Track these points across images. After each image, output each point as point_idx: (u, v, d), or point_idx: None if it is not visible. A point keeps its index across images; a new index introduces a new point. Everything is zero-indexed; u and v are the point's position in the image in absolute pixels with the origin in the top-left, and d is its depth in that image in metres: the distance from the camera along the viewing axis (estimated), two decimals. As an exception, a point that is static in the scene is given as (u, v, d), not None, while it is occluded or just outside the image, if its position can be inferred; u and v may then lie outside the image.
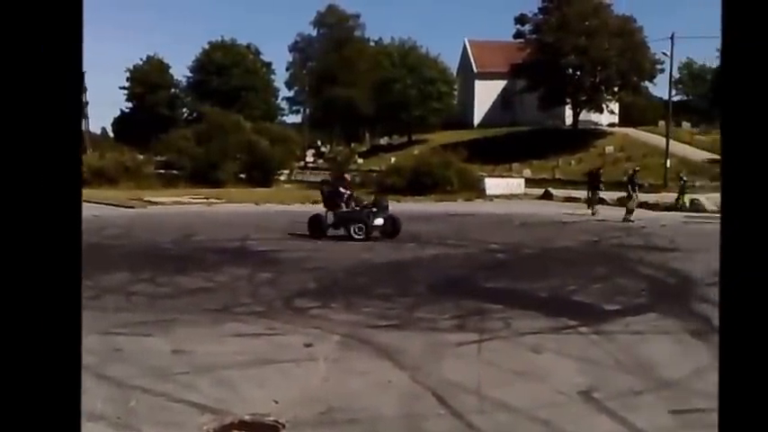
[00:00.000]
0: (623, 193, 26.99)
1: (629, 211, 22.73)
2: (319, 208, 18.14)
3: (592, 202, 25.67)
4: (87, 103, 50.06)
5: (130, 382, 5.81)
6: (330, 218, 17.34)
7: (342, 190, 17.64)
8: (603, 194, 27.14)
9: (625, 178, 25.40)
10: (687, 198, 27.59)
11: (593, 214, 24.38)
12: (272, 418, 5.19)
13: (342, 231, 16.94)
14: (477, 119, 66.20)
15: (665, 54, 46.13)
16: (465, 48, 69.53)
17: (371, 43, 69.79)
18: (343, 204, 17.34)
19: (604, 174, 27.87)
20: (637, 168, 27.41)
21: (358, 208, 17.38)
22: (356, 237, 16.61)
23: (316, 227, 17.21)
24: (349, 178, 21.09)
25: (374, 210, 17.21)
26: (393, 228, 17.13)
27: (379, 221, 16.98)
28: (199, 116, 54.67)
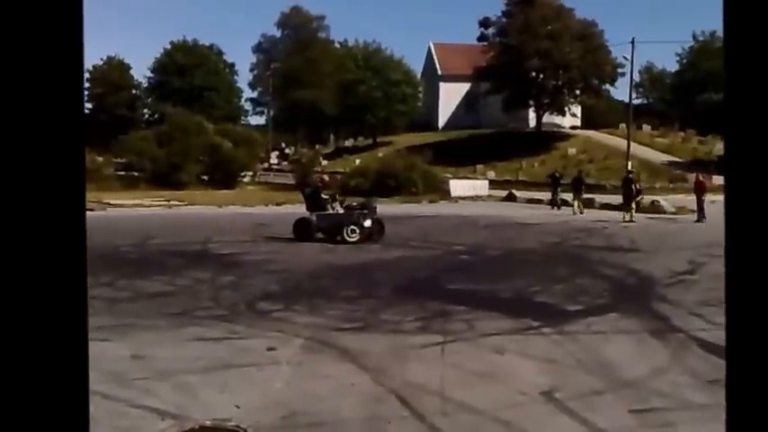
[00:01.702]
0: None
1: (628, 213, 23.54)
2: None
3: (575, 202, 27.25)
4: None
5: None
6: (315, 220, 16.76)
7: (323, 194, 17.16)
8: (566, 195, 28.41)
9: (622, 181, 26.35)
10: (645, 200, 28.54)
11: (575, 214, 25.90)
12: (233, 423, 5.12)
13: (331, 235, 16.37)
14: (441, 121, 66.55)
15: (625, 58, 47.03)
16: (429, 50, 69.87)
17: (336, 45, 69.66)
18: (329, 207, 16.90)
19: (565, 175, 28.96)
20: (630, 171, 29.22)
21: (341, 210, 16.99)
22: (350, 240, 16.16)
23: (302, 230, 16.57)
24: (328, 178, 20.72)
25: (364, 212, 16.91)
26: (379, 230, 16.84)
27: (368, 223, 16.66)
28: (160, 117, 53.96)
